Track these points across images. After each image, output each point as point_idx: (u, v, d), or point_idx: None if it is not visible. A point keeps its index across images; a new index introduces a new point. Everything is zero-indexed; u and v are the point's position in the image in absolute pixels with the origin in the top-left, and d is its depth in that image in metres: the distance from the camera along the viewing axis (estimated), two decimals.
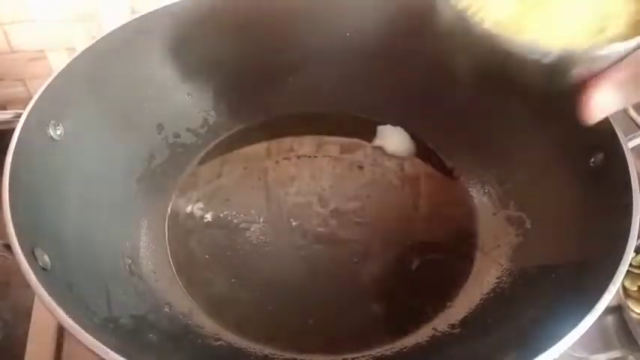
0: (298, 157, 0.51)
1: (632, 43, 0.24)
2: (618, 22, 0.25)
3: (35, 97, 0.37)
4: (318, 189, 0.49)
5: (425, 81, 0.49)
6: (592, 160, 0.37)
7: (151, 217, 0.46)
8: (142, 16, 0.44)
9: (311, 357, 0.39)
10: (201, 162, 0.51)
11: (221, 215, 0.47)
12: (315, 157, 0.51)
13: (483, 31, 0.26)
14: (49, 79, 0.38)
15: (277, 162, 0.51)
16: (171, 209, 0.47)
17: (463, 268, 0.43)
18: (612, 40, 0.25)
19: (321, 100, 0.52)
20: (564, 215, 0.39)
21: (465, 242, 0.45)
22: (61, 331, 0.41)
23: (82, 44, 0.41)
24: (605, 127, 0.36)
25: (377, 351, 0.39)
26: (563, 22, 0.25)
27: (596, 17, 0.25)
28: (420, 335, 0.40)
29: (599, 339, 0.41)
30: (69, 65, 0.39)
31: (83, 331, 0.27)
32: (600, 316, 0.29)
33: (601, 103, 0.24)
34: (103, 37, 0.42)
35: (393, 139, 0.51)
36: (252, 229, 0.46)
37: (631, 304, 0.42)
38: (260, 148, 0.52)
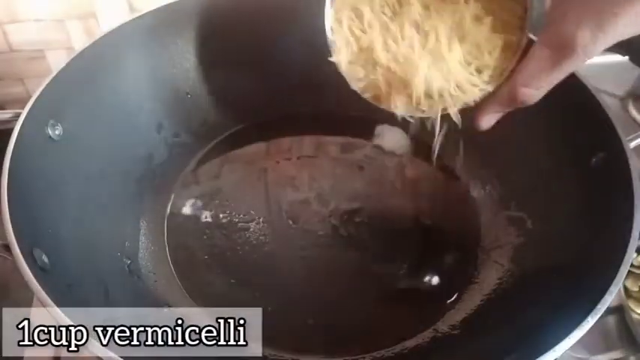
0: (298, 157, 0.51)
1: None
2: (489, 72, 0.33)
3: (34, 97, 0.37)
4: (318, 189, 0.48)
5: None
6: (593, 159, 0.37)
7: (150, 218, 0.46)
8: (140, 15, 0.44)
9: (311, 358, 0.39)
10: (201, 162, 0.51)
11: (220, 215, 0.47)
12: (315, 157, 0.51)
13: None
14: (48, 79, 0.38)
15: (277, 162, 0.51)
16: (170, 209, 0.47)
17: (464, 268, 0.43)
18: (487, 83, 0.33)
19: (321, 100, 0.52)
20: (565, 216, 0.39)
21: (466, 243, 0.45)
22: None
23: (80, 43, 0.41)
24: (606, 128, 0.36)
25: (377, 352, 0.39)
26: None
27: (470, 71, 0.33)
28: (421, 336, 0.40)
29: (601, 340, 0.41)
30: (68, 65, 0.39)
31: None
32: (601, 317, 0.29)
33: (487, 123, 0.34)
34: (102, 37, 0.42)
35: (391, 137, 0.51)
36: (251, 229, 0.46)
37: (632, 305, 0.42)
38: (260, 148, 0.52)
